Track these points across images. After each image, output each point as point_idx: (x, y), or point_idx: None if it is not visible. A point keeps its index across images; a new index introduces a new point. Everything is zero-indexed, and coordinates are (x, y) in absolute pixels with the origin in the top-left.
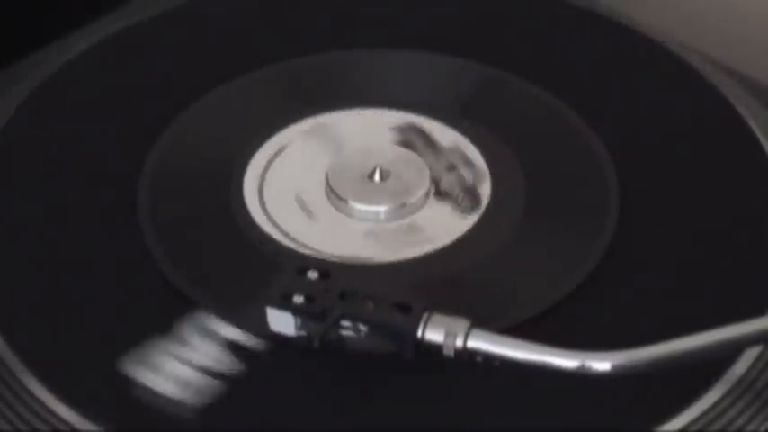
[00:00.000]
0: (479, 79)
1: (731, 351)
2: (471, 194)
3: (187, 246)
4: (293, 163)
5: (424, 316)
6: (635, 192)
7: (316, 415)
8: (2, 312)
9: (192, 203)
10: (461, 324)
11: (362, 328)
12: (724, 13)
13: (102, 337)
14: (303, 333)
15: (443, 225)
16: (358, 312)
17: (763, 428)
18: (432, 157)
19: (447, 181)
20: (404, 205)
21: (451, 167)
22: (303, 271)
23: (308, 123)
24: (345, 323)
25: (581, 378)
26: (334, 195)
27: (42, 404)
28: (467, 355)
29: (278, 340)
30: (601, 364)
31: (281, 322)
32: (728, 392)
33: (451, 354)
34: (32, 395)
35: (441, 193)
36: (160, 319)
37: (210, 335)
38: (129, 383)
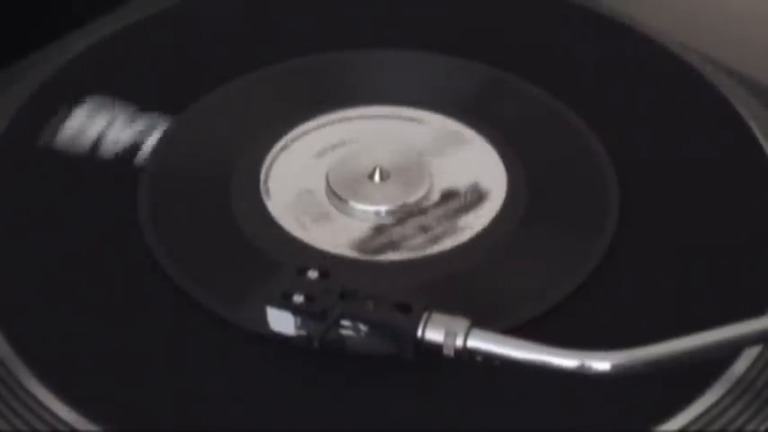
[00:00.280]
0: (479, 79)
1: (731, 351)
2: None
3: (187, 245)
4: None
5: (424, 316)
6: (635, 192)
7: (316, 415)
8: (2, 312)
9: (192, 203)
10: (461, 324)
11: (362, 327)
12: (724, 13)
13: (103, 337)
14: (303, 333)
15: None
16: (358, 312)
17: (762, 428)
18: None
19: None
20: (404, 205)
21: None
22: (303, 270)
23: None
24: (345, 323)
25: (581, 378)
26: (335, 195)
27: (42, 404)
28: (467, 355)
29: (278, 339)
30: (601, 364)
31: (281, 322)
32: (728, 392)
33: (451, 353)
34: (32, 395)
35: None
36: (161, 318)
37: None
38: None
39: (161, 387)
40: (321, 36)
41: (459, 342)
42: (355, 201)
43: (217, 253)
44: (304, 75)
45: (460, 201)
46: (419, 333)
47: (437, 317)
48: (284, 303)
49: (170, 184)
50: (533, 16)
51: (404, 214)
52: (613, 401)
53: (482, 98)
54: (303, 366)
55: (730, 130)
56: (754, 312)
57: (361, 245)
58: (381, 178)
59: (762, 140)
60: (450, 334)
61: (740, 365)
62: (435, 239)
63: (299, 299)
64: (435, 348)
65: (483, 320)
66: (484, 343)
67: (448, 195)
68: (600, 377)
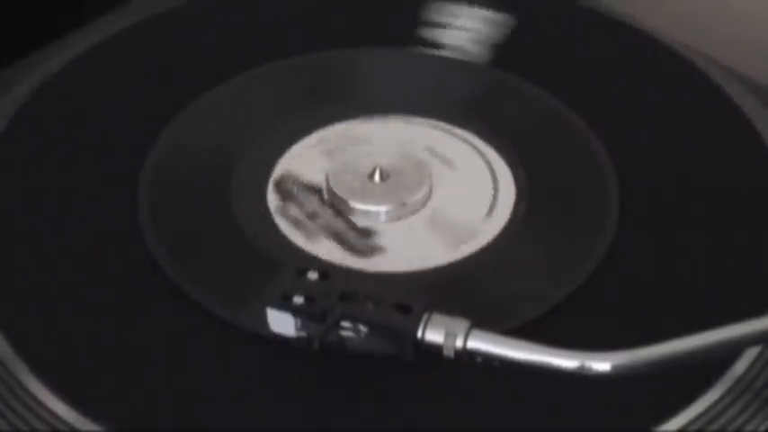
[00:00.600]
0: (480, 79)
1: (731, 351)
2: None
3: (187, 246)
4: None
5: (424, 316)
6: (635, 192)
7: (316, 415)
8: (2, 312)
9: (192, 203)
10: (461, 324)
11: (362, 328)
12: (724, 13)
13: (103, 337)
14: (303, 334)
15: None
16: (358, 313)
17: (762, 428)
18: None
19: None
20: (404, 205)
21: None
22: (303, 272)
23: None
24: (345, 324)
25: (581, 378)
26: (335, 196)
27: (42, 404)
28: (467, 356)
29: (278, 340)
30: (601, 364)
31: (282, 323)
32: (728, 392)
33: (451, 354)
34: (32, 395)
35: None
36: (161, 319)
37: None
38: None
39: (161, 387)
40: (321, 35)
41: (459, 343)
42: (355, 201)
43: (217, 253)
44: (305, 74)
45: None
46: (419, 334)
47: (437, 318)
48: (284, 304)
49: (170, 184)
50: (533, 16)
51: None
52: (613, 401)
53: (482, 98)
54: (303, 367)
55: (731, 130)
56: (754, 312)
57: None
58: (381, 178)
59: (763, 140)
60: (450, 335)
61: (740, 366)
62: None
63: (299, 300)
64: (435, 349)
65: (483, 321)
66: (484, 344)
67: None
68: (600, 378)
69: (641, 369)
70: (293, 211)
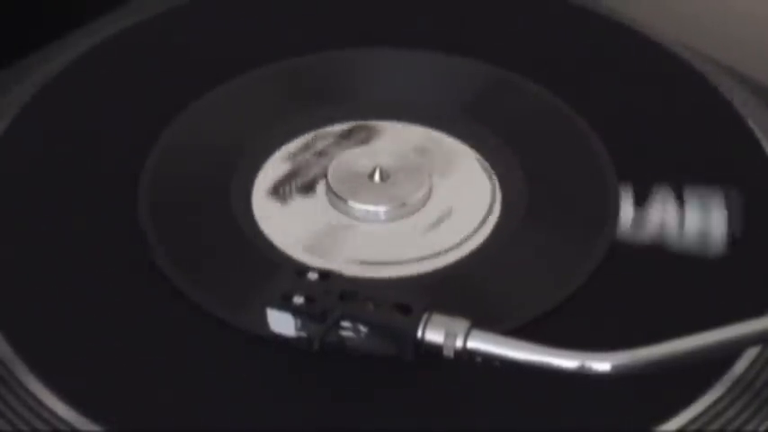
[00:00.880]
0: (480, 79)
1: (731, 351)
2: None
3: (187, 246)
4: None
5: (424, 316)
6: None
7: (316, 415)
8: (2, 312)
9: (192, 203)
10: (461, 325)
11: (362, 328)
12: (724, 13)
13: (103, 338)
14: (303, 334)
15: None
16: (358, 313)
17: (762, 428)
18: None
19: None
20: (404, 205)
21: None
22: (303, 272)
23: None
24: (345, 324)
25: (581, 378)
26: (335, 195)
27: (42, 404)
28: (467, 356)
29: (278, 341)
30: (601, 364)
31: (281, 323)
32: (728, 392)
33: (451, 354)
34: (32, 395)
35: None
36: (161, 319)
37: None
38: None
39: (161, 387)
40: (321, 35)
41: (459, 343)
42: (355, 201)
43: (217, 254)
44: (305, 74)
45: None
46: (419, 334)
47: (437, 318)
48: (284, 304)
49: (170, 184)
50: (534, 16)
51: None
52: (613, 401)
53: (482, 98)
54: (303, 367)
55: (731, 130)
56: (754, 312)
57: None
58: (381, 178)
59: (762, 141)
60: (450, 335)
61: (740, 366)
62: None
63: (298, 300)
64: (435, 349)
65: (483, 321)
66: (484, 344)
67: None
68: (600, 378)
69: (641, 369)
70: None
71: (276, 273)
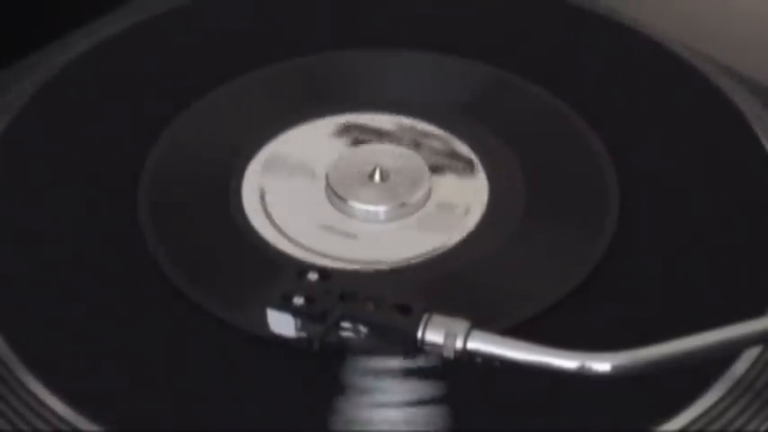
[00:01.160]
0: (480, 79)
1: (731, 351)
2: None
3: (187, 246)
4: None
5: (424, 317)
6: (635, 192)
7: (316, 415)
8: (2, 312)
9: (192, 203)
10: (461, 325)
11: (362, 329)
12: (724, 13)
13: (103, 337)
14: (303, 335)
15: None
16: (358, 313)
17: (762, 428)
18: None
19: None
20: (404, 205)
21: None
22: (303, 272)
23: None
24: (345, 324)
25: (581, 378)
26: (335, 195)
27: (43, 404)
28: (467, 357)
29: (278, 341)
30: (601, 364)
31: (282, 324)
32: (728, 392)
33: (451, 355)
34: (33, 395)
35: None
36: (161, 319)
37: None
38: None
39: (161, 387)
40: (322, 35)
41: (459, 343)
42: (355, 201)
43: (217, 254)
44: (305, 74)
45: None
46: (419, 334)
47: (437, 318)
48: (284, 305)
49: (170, 184)
50: (533, 16)
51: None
52: (613, 401)
53: (482, 98)
54: (303, 368)
55: (731, 130)
56: (754, 312)
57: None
58: (381, 178)
59: (763, 141)
60: (450, 335)
61: (740, 366)
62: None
63: (299, 300)
64: (435, 350)
65: (483, 321)
66: (484, 344)
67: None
68: (600, 378)
69: (641, 369)
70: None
71: (277, 274)
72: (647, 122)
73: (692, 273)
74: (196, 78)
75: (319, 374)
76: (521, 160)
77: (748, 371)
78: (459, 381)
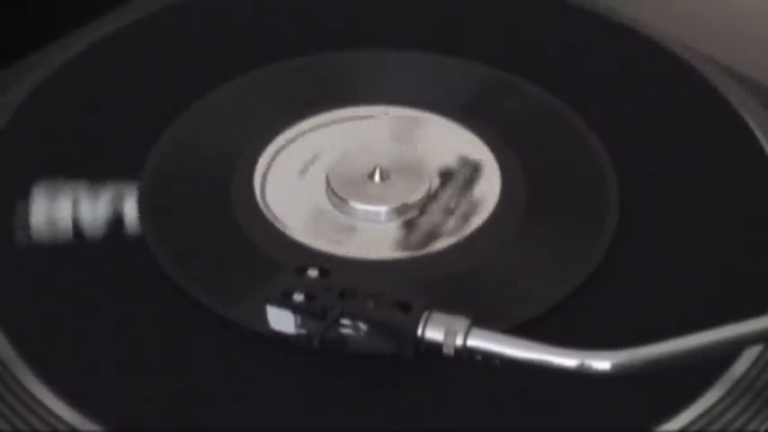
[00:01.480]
0: (480, 79)
1: (731, 351)
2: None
3: (187, 245)
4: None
5: (425, 315)
6: (635, 192)
7: (316, 414)
8: (2, 312)
9: (192, 203)
10: (461, 323)
11: (362, 326)
12: (724, 13)
13: (103, 337)
14: (303, 332)
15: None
16: (358, 311)
17: (763, 428)
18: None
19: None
20: (404, 205)
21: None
22: (303, 269)
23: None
24: (345, 321)
25: (581, 378)
26: (335, 195)
27: (42, 404)
28: (466, 354)
29: (278, 338)
30: (601, 363)
31: (281, 321)
32: (728, 392)
33: (451, 353)
34: (32, 395)
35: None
36: (161, 318)
37: None
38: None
39: (161, 387)
40: (321, 36)
41: (459, 341)
42: (355, 201)
43: (217, 252)
44: (305, 74)
45: (461, 176)
46: (419, 332)
47: (437, 316)
48: (284, 302)
49: (170, 183)
50: (533, 16)
51: (421, 204)
52: (613, 401)
53: (482, 98)
54: (303, 366)
55: (730, 130)
56: (754, 312)
57: (404, 243)
58: (381, 178)
59: (762, 141)
60: (450, 333)
61: (740, 366)
62: (465, 217)
63: (299, 297)
64: (435, 347)
65: (483, 320)
66: (484, 342)
67: (445, 176)
68: (600, 377)
69: (641, 369)
70: None
71: (276, 271)
72: (647, 122)
73: (692, 273)
74: (196, 78)
75: (319, 373)
76: (520, 160)
77: (748, 371)
78: (459, 380)
